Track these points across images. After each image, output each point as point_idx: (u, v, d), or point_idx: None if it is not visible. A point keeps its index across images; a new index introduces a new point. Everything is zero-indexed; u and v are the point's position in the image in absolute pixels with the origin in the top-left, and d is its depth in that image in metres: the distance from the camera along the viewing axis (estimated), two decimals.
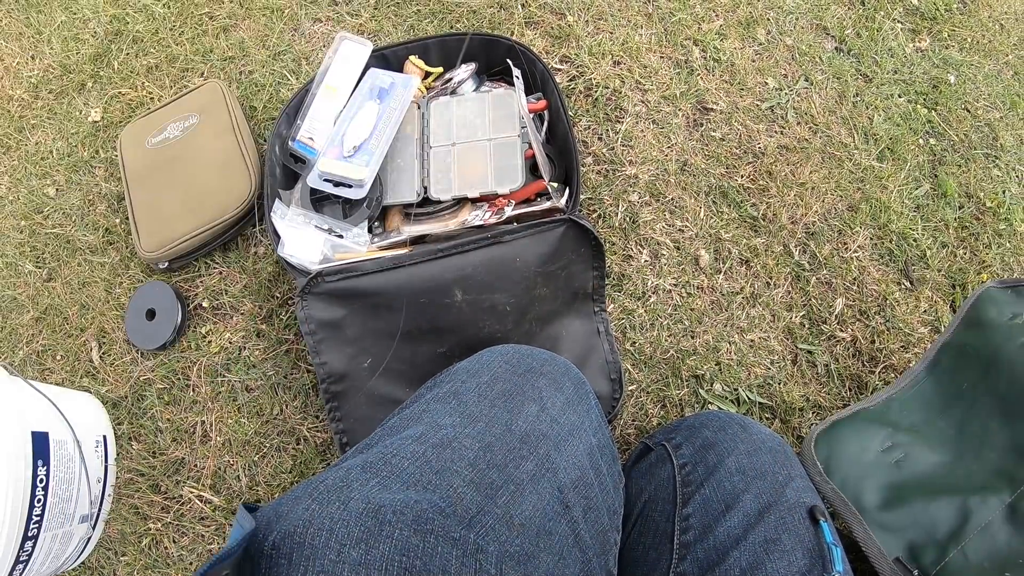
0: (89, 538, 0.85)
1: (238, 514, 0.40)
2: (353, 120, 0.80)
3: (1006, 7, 1.05)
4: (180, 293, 0.92)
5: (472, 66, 0.87)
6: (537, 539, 0.44)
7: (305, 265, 0.77)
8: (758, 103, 0.94)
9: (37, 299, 1.00)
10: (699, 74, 0.95)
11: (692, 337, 0.83)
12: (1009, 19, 1.04)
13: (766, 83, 0.95)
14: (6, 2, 1.24)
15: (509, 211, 0.78)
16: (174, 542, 0.85)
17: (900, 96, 0.95)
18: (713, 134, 0.92)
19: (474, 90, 0.87)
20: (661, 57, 0.96)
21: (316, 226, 0.78)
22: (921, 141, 0.93)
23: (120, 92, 1.09)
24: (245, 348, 0.89)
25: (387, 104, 0.81)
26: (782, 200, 0.89)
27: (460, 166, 0.80)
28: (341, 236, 0.78)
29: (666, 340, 0.83)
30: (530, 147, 0.80)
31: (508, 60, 0.84)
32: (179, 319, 0.90)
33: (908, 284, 0.86)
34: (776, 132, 0.92)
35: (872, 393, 0.79)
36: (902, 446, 0.63)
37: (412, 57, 0.87)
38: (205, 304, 0.92)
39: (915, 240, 0.88)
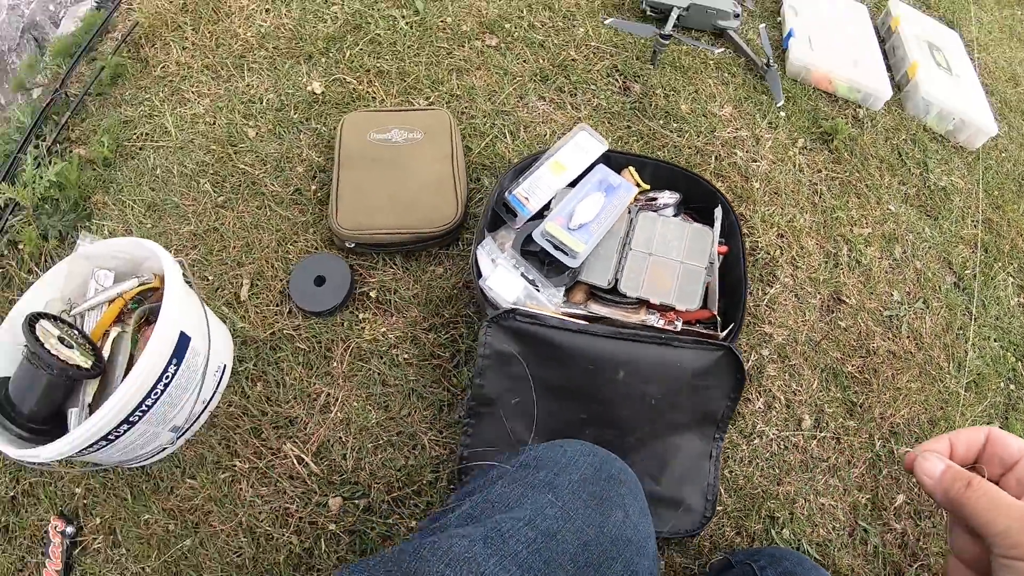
0: (164, 448, 0.88)
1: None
2: (582, 201, 0.92)
3: None
4: (354, 275, 1.01)
5: (677, 195, 1.01)
6: None
7: (499, 300, 0.87)
8: (881, 309, 1.09)
9: (203, 217, 1.07)
10: (842, 268, 1.10)
11: (778, 484, 0.94)
12: None
13: (892, 294, 1.10)
14: None
15: (679, 325, 0.90)
16: (252, 487, 0.89)
17: (995, 340, 1.11)
18: (840, 323, 1.06)
19: (673, 215, 1.00)
20: (816, 244, 1.12)
21: (523, 273, 0.88)
22: (1003, 384, 1.08)
23: (345, 79, 1.20)
24: (396, 348, 0.97)
25: (611, 200, 0.93)
26: (878, 397, 1.02)
27: (651, 274, 0.92)
28: (538, 289, 0.88)
29: (757, 479, 0.94)
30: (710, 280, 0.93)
31: (717, 209, 0.98)
32: (346, 295, 0.98)
33: None
34: (889, 338, 1.07)
35: None
36: None
37: (631, 168, 1.01)
38: (372, 295, 1.00)
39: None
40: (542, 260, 0.92)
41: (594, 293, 0.94)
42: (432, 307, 1.00)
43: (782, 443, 0.97)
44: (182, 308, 0.80)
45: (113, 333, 0.90)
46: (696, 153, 1.16)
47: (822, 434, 0.99)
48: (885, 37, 1.35)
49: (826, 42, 1.28)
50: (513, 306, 0.85)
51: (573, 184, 0.99)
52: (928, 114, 1.25)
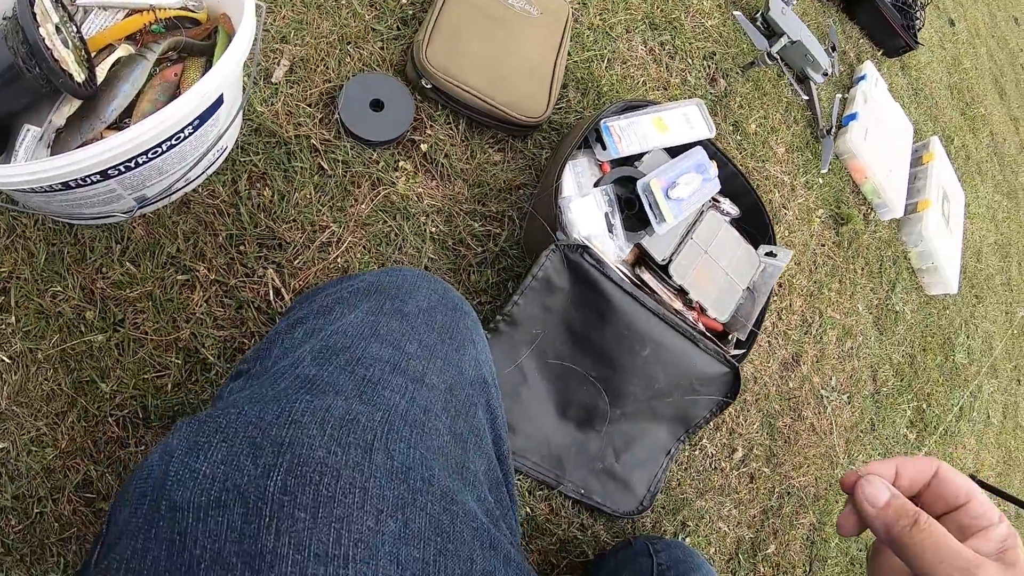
0: (113, 216, 0.69)
1: None
2: (683, 176, 0.88)
3: None
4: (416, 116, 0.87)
5: (737, 210, 1.01)
6: (492, 495, 0.45)
7: (571, 226, 0.81)
8: (821, 386, 1.20)
9: None
10: (809, 337, 1.20)
11: (698, 497, 1.01)
12: None
13: (831, 378, 1.23)
14: None
15: (700, 327, 0.91)
16: (208, 302, 0.75)
17: (879, 455, 1.28)
18: (789, 382, 1.15)
19: (728, 222, 1.00)
20: (800, 306, 1.20)
21: (607, 213, 0.83)
22: None
23: None
24: (426, 216, 0.87)
25: (704, 187, 0.91)
26: (791, 457, 1.13)
27: (698, 270, 0.92)
28: (611, 233, 0.84)
29: (686, 485, 0.99)
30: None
31: (782, 252, 1.00)
32: (401, 134, 0.85)
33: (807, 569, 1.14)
34: (816, 413, 1.18)
35: None
36: None
37: (715, 163, 0.99)
38: (424, 147, 0.88)
39: (825, 560, 1.17)
40: (622, 210, 0.88)
41: (644, 262, 0.91)
42: (479, 191, 0.90)
43: (714, 463, 1.03)
44: (239, 64, 0.63)
45: (121, 52, 0.69)
46: (745, 174, 1.18)
47: (744, 469, 1.07)
48: (914, 163, 1.47)
49: (877, 140, 1.36)
50: (585, 240, 0.79)
51: (667, 151, 0.95)
52: (916, 247, 1.40)
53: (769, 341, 1.14)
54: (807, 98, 1.34)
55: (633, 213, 0.88)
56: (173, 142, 0.61)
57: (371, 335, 0.44)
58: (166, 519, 0.30)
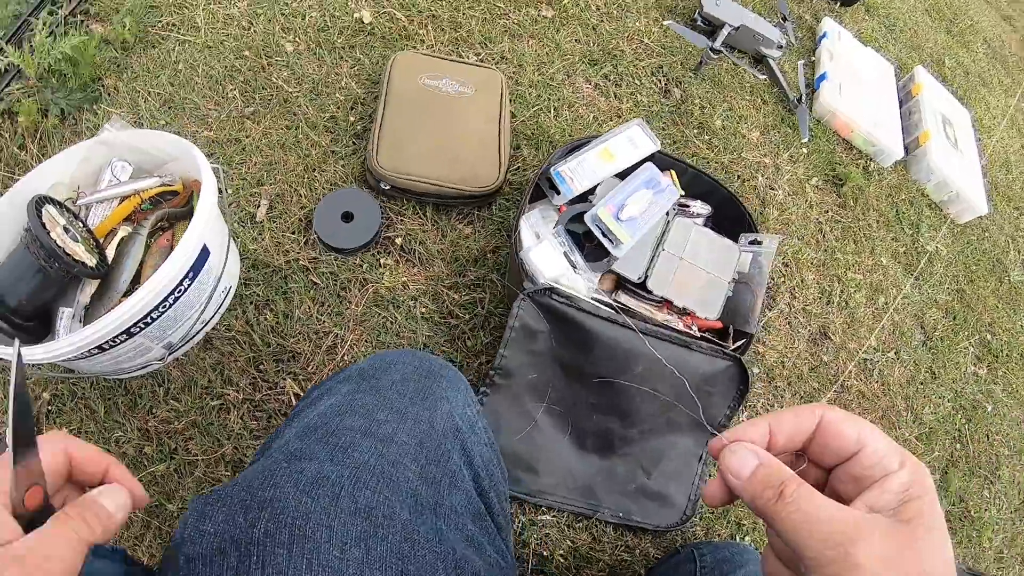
0: (150, 364, 0.83)
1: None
2: (632, 195, 0.93)
3: None
4: (384, 217, 0.98)
5: (709, 208, 1.04)
6: (474, 525, 0.51)
7: (536, 274, 0.88)
8: (859, 351, 1.17)
9: (225, 125, 1.01)
10: (832, 307, 1.18)
11: None
12: None
13: (870, 340, 1.19)
14: None
15: (694, 330, 0.94)
16: (242, 419, 0.86)
17: (949, 401, 1.22)
18: (823, 356, 1.13)
19: (703, 225, 1.03)
20: (814, 278, 1.19)
21: (565, 252, 0.89)
22: (948, 441, 1.19)
23: (396, 15, 1.16)
24: (415, 300, 0.96)
25: (658, 200, 0.95)
26: None
27: (679, 277, 0.95)
28: (576, 270, 0.89)
29: None
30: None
31: (768, 240, 1.02)
32: (373, 236, 0.95)
33: None
34: (861, 380, 1.15)
35: None
36: None
37: (673, 172, 1.03)
38: (399, 241, 0.98)
39: None
40: (581, 243, 0.93)
41: (622, 285, 0.95)
42: (457, 265, 0.99)
43: None
44: (211, 220, 0.76)
45: (121, 233, 0.84)
46: (722, 169, 1.20)
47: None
48: (904, 99, 1.43)
49: (853, 91, 1.35)
50: (551, 283, 0.86)
51: (618, 176, 1.00)
52: (929, 181, 1.35)
53: (788, 322, 1.14)
54: (765, 77, 1.35)
55: (595, 244, 0.93)
56: (176, 295, 0.75)
57: (347, 411, 0.53)
58: (184, 568, 0.40)
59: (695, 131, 1.23)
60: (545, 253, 0.89)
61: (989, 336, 1.32)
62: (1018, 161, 1.68)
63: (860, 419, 0.35)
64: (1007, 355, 1.32)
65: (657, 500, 0.94)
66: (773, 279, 1.14)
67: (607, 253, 0.92)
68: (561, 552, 0.89)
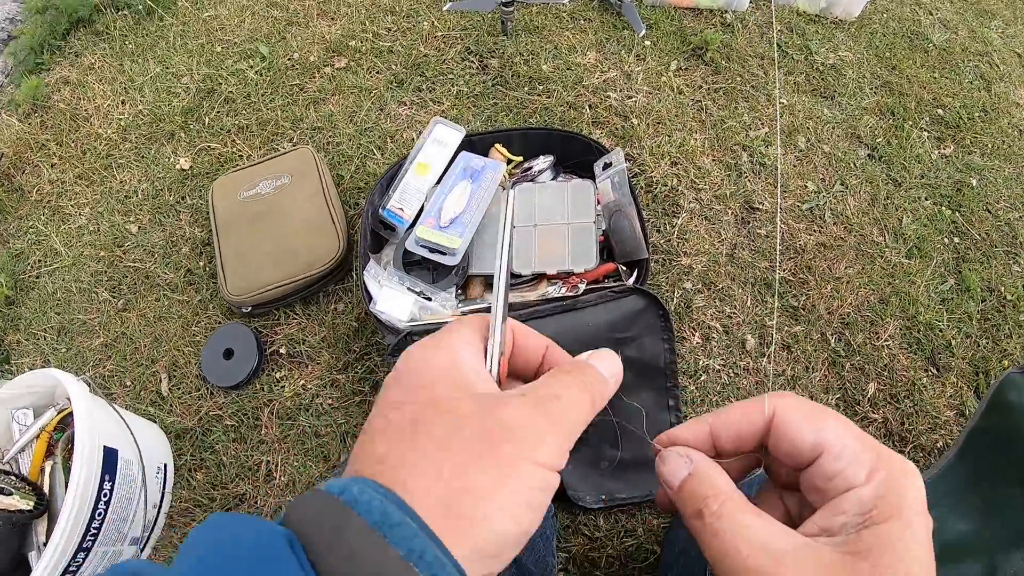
0: (137, 557, 0.87)
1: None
2: (448, 195, 0.89)
3: None
4: (259, 337, 0.98)
5: (550, 158, 0.97)
6: None
7: (394, 322, 0.84)
8: (799, 204, 1.05)
9: (109, 326, 1.05)
10: (747, 177, 1.06)
11: None
12: None
13: (806, 186, 1.06)
14: (101, 47, 1.35)
15: (582, 288, 0.87)
16: None
17: (927, 199, 1.06)
18: (759, 231, 1.02)
19: (552, 179, 0.96)
20: (713, 160, 1.08)
21: (408, 288, 0.85)
22: (946, 240, 1.04)
23: (210, 146, 1.18)
24: (318, 396, 0.94)
25: (479, 185, 0.90)
26: (819, 292, 0.98)
27: (540, 245, 0.89)
28: (429, 299, 0.85)
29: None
30: (603, 233, 0.89)
31: (596, 164, 0.94)
32: (256, 361, 0.96)
33: (935, 371, 0.95)
34: (815, 231, 1.02)
35: None
36: (933, 519, 0.69)
37: (497, 145, 0.97)
38: (283, 351, 0.98)
39: (941, 331, 0.97)
40: (428, 267, 0.89)
41: (490, 283, 0.90)
42: (341, 346, 0.97)
43: (731, 371, 0.93)
44: (96, 424, 0.78)
45: (48, 467, 0.88)
46: (569, 108, 1.13)
47: (770, 349, 0.95)
48: None
49: None
50: (409, 328, 0.82)
51: (441, 181, 0.96)
52: (796, 1, 1.21)
53: (705, 217, 1.03)
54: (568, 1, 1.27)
55: (433, 266, 0.89)
56: (104, 498, 0.77)
57: None
58: None
59: (526, 89, 1.16)
60: (391, 299, 0.85)
61: (940, 111, 1.15)
62: None
63: (822, 411, 0.29)
64: (968, 118, 1.14)
65: (638, 467, 0.86)
66: (667, 184, 1.05)
67: (449, 268, 0.88)
68: (561, 569, 0.83)
